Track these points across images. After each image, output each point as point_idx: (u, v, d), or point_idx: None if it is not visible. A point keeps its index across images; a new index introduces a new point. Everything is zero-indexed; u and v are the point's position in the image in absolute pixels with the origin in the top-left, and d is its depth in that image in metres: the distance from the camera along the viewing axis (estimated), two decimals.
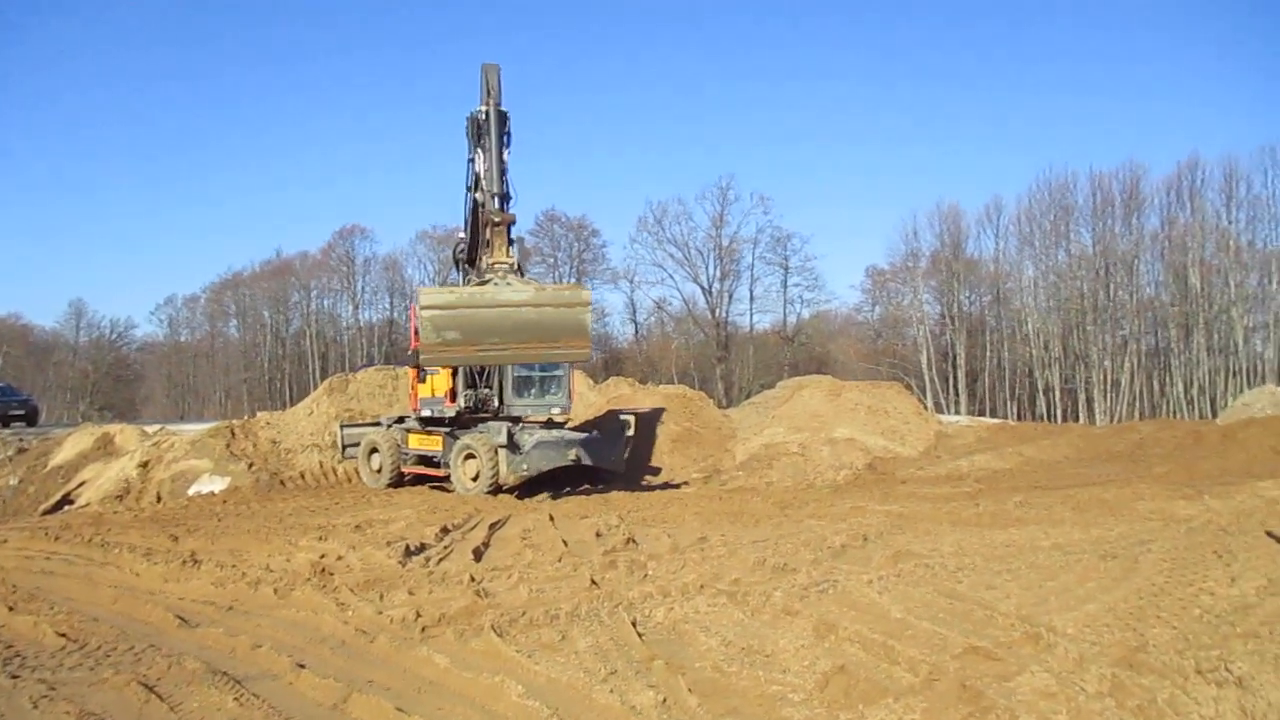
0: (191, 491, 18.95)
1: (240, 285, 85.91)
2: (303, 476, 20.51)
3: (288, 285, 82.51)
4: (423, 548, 10.91)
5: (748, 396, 43.58)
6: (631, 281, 72.37)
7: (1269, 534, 10.15)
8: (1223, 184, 59.14)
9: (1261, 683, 5.60)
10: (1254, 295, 57.93)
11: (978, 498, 15.05)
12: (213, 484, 19.27)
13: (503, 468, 17.22)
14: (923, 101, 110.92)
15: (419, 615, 7.58)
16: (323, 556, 10.38)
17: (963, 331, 65.01)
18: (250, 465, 20.22)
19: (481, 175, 17.47)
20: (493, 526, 12.74)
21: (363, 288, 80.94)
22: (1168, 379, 58.78)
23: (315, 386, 30.99)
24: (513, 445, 17.33)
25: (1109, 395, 58.93)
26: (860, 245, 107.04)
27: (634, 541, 11.30)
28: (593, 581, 8.85)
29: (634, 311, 74.45)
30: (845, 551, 10.20)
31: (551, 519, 13.53)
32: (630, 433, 20.30)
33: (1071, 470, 19.84)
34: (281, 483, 19.84)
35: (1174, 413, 55.01)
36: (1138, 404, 58.19)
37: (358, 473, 20.40)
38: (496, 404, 19.25)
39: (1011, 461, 21.35)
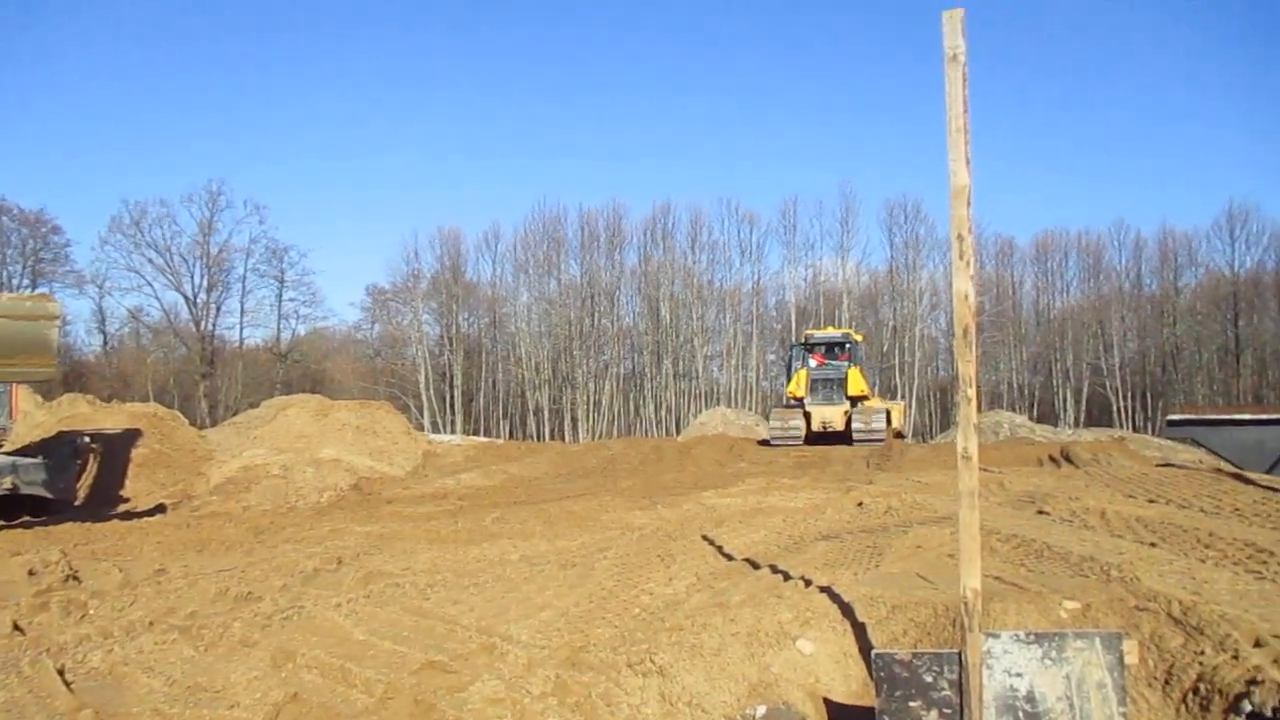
0: None
1: None
2: None
3: None
4: None
5: (236, 415, 41.24)
6: (101, 287, 65.31)
7: (704, 537, 11.43)
8: (689, 228, 67.57)
9: (679, 670, 6.25)
10: (712, 328, 66.76)
11: (458, 515, 15.40)
12: None
13: None
14: (422, 122, 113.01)
15: None
16: None
17: (460, 352, 66.89)
18: None
19: None
20: None
21: None
22: (642, 400, 65.20)
23: None
24: None
25: (592, 415, 64.03)
26: (362, 263, 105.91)
27: (76, 578, 10.05)
28: (16, 627, 7.71)
29: (103, 320, 67.22)
30: (317, 576, 9.89)
31: None
32: (84, 457, 18.24)
33: (549, 486, 21.06)
34: None
35: (646, 431, 61.10)
36: (616, 423, 63.83)
37: None
38: None
39: (496, 479, 22.20)
